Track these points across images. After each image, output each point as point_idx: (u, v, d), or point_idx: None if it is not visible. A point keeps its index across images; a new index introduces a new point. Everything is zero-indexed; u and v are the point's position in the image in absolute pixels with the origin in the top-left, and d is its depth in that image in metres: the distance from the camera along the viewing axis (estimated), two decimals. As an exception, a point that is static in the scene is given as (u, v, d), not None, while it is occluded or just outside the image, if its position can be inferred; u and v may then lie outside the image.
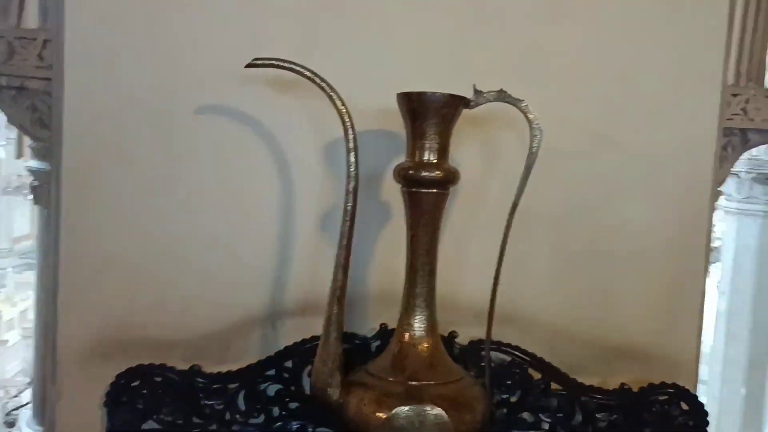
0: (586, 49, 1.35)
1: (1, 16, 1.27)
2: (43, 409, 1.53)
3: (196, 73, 1.26)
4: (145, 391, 1.26)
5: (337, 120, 1.25)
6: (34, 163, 1.44)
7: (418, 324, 1.14)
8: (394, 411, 1.06)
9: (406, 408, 1.06)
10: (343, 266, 1.14)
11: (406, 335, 1.15)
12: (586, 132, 1.36)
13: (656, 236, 1.39)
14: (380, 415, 1.07)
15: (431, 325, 1.15)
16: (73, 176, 1.25)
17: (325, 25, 1.30)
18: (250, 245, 1.30)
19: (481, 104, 1.15)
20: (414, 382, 1.10)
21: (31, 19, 1.29)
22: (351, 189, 1.14)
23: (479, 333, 1.33)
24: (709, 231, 1.39)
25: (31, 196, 1.51)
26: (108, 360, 1.27)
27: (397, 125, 1.27)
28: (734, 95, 1.41)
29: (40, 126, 1.32)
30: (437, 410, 1.06)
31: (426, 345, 1.14)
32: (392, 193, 1.31)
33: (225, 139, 1.28)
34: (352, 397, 1.11)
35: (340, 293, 1.14)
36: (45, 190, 1.44)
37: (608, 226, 1.39)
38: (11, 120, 1.36)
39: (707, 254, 1.39)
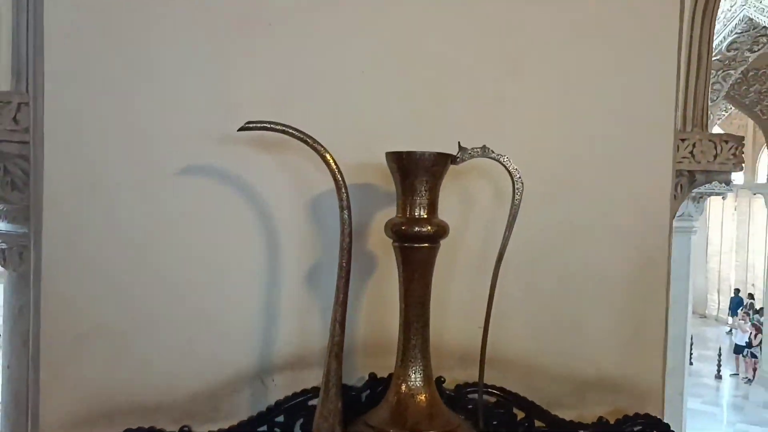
0: (548, 102, 1.43)
1: (-28, 79, 1.24)
2: None
3: (177, 136, 1.26)
4: (134, 457, 1.24)
5: (318, 176, 1.29)
6: (2, 226, 1.39)
7: (415, 374, 1.18)
8: (402, 463, 1.09)
9: (413, 460, 1.09)
10: (340, 322, 1.17)
11: (404, 386, 1.18)
12: (551, 178, 1.43)
13: (620, 272, 1.47)
14: (386, 468, 1.10)
15: (427, 375, 1.18)
16: (53, 242, 1.22)
17: (300, 85, 1.32)
18: (235, 303, 1.30)
19: (466, 160, 1.20)
20: (418, 433, 1.13)
21: (3, 81, 1.26)
22: (345, 246, 1.16)
23: (463, 376, 1.38)
24: (669, 265, 1.48)
25: (-3, 259, 1.46)
26: (94, 427, 1.24)
27: (374, 179, 1.32)
28: (682, 140, 1.52)
29: (12, 189, 1.29)
30: (443, 460, 1.10)
31: (424, 395, 1.17)
32: (376, 245, 1.34)
33: (207, 200, 1.28)
34: (356, 452, 1.13)
35: (337, 349, 1.16)
36: (15, 253, 1.40)
37: (575, 265, 1.46)
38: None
39: (668, 286, 1.49)
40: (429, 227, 1.16)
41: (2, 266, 1.44)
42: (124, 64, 1.23)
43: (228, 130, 1.25)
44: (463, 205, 1.41)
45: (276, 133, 1.14)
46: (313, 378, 1.32)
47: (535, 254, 1.44)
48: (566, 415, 1.41)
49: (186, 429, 1.26)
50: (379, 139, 1.29)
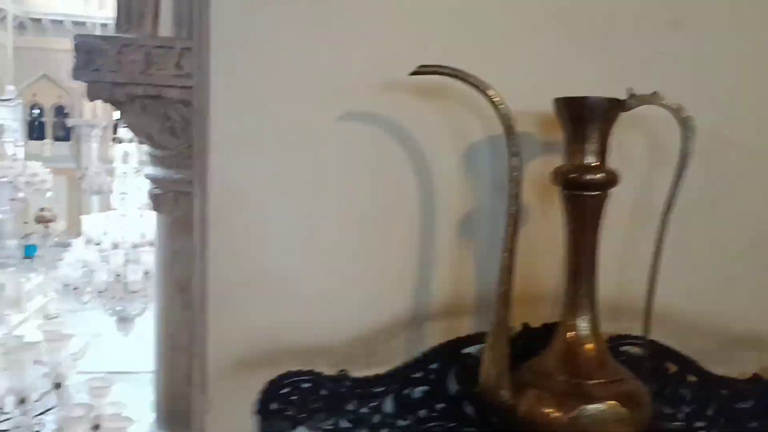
0: (703, 54, 1.39)
1: (137, 25, 1.25)
2: (172, 417, 1.52)
3: (342, 81, 1.26)
4: (295, 398, 1.27)
5: (476, 125, 1.28)
6: (155, 171, 1.42)
7: (584, 323, 1.17)
8: (578, 410, 1.09)
9: (590, 407, 1.09)
10: (508, 269, 1.16)
11: (571, 334, 1.17)
12: (707, 134, 1.38)
13: (774, 228, 1.43)
14: (559, 414, 1.10)
15: (595, 324, 1.18)
16: (219, 186, 1.24)
17: (461, 33, 1.30)
18: (393, 251, 1.31)
19: (636, 106, 1.18)
20: (590, 381, 1.12)
21: (164, 27, 1.27)
22: (514, 192, 1.15)
23: (612, 328, 1.37)
24: (823, 222, 1.44)
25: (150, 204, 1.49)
26: (257, 369, 1.27)
27: (526, 127, 1.30)
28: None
29: (170, 135, 1.31)
30: (619, 408, 1.10)
31: (592, 344, 1.17)
32: (527, 193, 1.33)
33: (367, 148, 1.29)
34: (526, 398, 1.13)
35: (506, 296, 1.16)
36: (170, 199, 1.43)
37: (728, 220, 1.42)
38: (136, 129, 1.34)
39: (821, 244, 1.45)
40: (601, 174, 1.15)
41: (156, 211, 1.47)
42: (293, 7, 1.23)
43: (391, 76, 1.25)
44: (615, 154, 1.38)
45: (436, 81, 1.14)
46: (466, 326, 1.33)
47: (687, 208, 1.41)
48: (714, 370, 1.39)
49: (343, 373, 1.28)
50: (535, 87, 1.27)
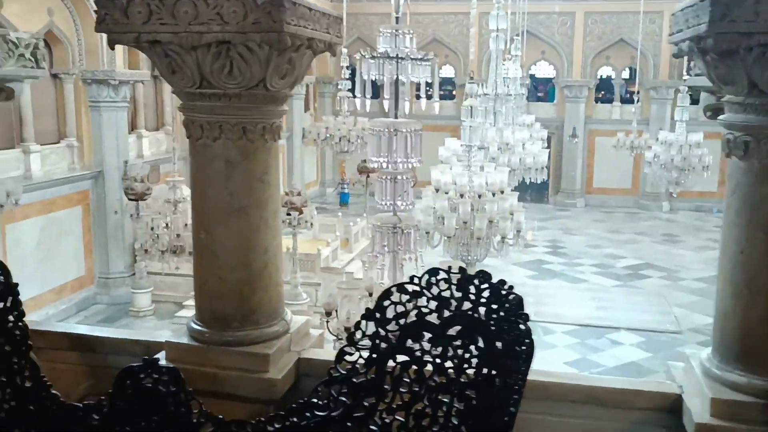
0: None
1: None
2: (743, 354, 1.67)
3: None
4: None
5: None
6: (749, 119, 1.53)
7: None
8: None
9: None
10: None
11: None
12: None
13: None
14: None
15: None
16: None
17: None
18: None
19: None
20: None
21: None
22: None
23: None
24: None
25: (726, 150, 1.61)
26: None
27: None
28: None
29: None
30: None
31: None
32: None
33: None
34: None
35: None
36: (763, 145, 1.53)
37: None
38: (728, 79, 1.47)
39: None
40: None
41: (740, 158, 1.59)
42: None
43: None
44: None
45: None
46: None
47: None
48: None
49: None
50: None
